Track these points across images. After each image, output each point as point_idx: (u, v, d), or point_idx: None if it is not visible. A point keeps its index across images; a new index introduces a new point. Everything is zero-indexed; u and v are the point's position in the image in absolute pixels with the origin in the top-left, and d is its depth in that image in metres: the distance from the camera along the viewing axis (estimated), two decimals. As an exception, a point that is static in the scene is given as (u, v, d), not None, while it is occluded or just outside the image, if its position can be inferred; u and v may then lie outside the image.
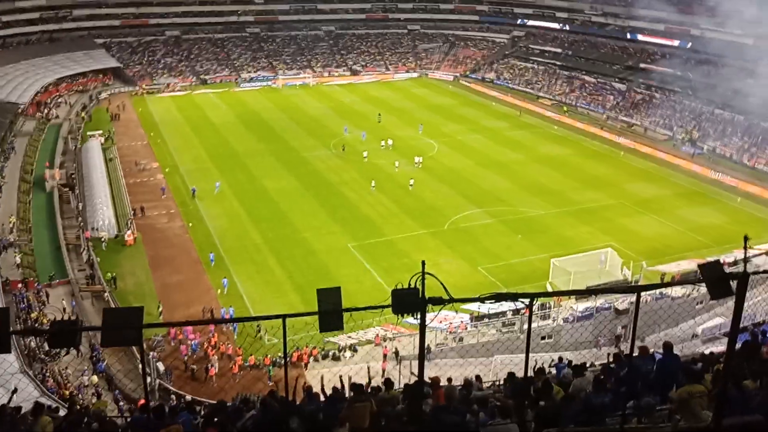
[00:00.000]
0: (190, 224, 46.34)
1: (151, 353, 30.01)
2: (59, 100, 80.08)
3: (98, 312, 33.41)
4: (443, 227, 46.24)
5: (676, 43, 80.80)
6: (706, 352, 18.20)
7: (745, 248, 8.00)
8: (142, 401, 24.85)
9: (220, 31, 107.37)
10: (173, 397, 26.89)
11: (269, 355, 30.71)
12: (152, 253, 42.15)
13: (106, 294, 35.87)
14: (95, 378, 28.59)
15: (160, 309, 34.30)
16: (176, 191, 52.81)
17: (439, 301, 6.07)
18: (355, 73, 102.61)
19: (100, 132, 66.85)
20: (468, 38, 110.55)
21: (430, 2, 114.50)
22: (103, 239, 42.79)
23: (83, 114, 75.54)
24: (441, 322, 32.92)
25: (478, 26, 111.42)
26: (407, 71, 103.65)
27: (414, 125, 72.37)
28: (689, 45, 78.63)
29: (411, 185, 53.35)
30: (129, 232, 44.05)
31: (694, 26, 77.74)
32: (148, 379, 27.38)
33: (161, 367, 29.80)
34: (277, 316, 6.42)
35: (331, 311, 6.16)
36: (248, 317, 29.42)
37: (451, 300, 6.07)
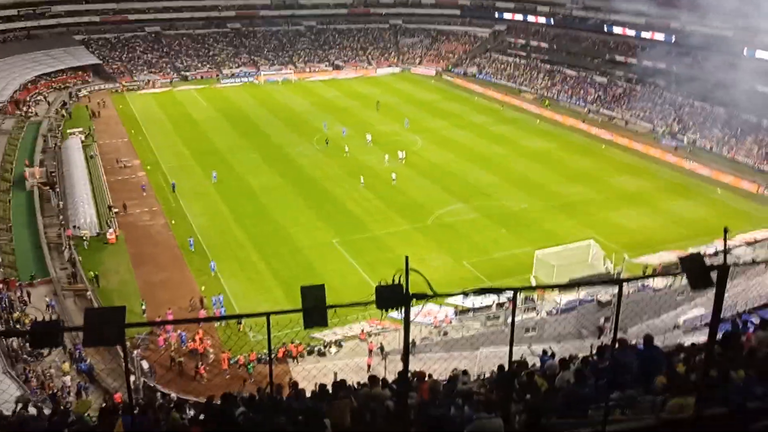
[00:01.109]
0: (173, 221, 46.03)
1: (135, 351, 29.81)
2: (38, 98, 79.06)
3: (81, 311, 33.10)
4: (428, 222, 46.33)
5: (656, 36, 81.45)
6: (687, 342, 18.45)
7: (725, 240, 8.10)
8: (118, 396, 24.70)
9: (201, 27, 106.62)
10: (158, 395, 26.76)
11: (254, 351, 30.62)
12: (135, 251, 41.83)
13: (88, 293, 35.55)
14: (67, 379, 28.26)
15: (144, 307, 34.07)
16: (158, 188, 52.42)
17: (423, 296, 6.09)
18: (337, 68, 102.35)
19: (81, 129, 66.11)
20: (450, 32, 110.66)
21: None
22: (84, 237, 42.39)
23: (63, 111, 74.72)
24: (426, 316, 33.02)
25: (460, 20, 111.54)
26: (389, 66, 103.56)
27: (397, 120, 72.37)
28: (670, 38, 79.32)
29: (394, 180, 53.37)
30: (111, 230, 43.66)
31: (674, 19, 78.39)
32: (132, 378, 27.21)
33: (145, 365, 29.61)
34: (261, 314, 6.40)
35: (315, 308, 6.15)
36: (233, 315, 29.40)
37: (436, 295, 6.09)
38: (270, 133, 68.34)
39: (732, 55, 67.62)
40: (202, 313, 34.06)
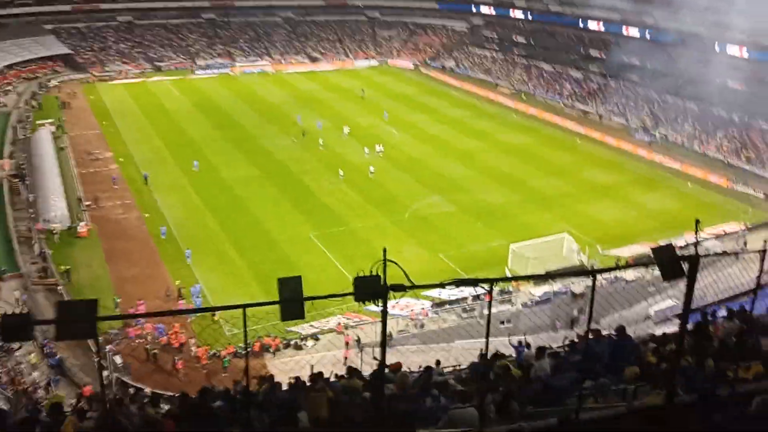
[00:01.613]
0: (147, 215, 45.49)
1: (108, 346, 29.47)
2: (7, 88, 77.37)
3: (52, 306, 32.62)
4: (405, 215, 46.41)
5: (631, 32, 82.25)
6: (659, 332, 18.76)
7: (696, 232, 8.25)
8: (88, 389, 24.40)
9: (175, 17, 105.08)
10: (131, 390, 26.49)
11: (230, 345, 30.47)
12: (108, 245, 41.27)
13: (59, 287, 35.03)
14: (37, 374, 27.89)
15: (117, 301, 33.66)
16: (131, 181, 51.72)
17: (400, 288, 6.11)
18: (314, 60, 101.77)
19: (51, 121, 64.90)
20: (427, 26, 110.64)
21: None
22: (55, 231, 41.69)
23: (33, 102, 73.24)
24: (403, 309, 33.14)
25: (438, 14, 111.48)
26: (367, 59, 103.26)
27: (375, 113, 72.30)
28: (644, 34, 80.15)
29: (371, 173, 53.36)
30: (83, 223, 43.02)
31: (648, 15, 79.19)
32: (105, 373, 26.91)
33: (118, 360, 29.29)
34: (237, 306, 6.36)
35: (291, 300, 6.14)
36: (207, 308, 29.12)
37: (413, 287, 6.11)
38: (246, 125, 67.81)
39: (704, 51, 68.57)
40: (181, 304, 33.83)
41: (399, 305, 32.63)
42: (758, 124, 61.69)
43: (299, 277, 6.13)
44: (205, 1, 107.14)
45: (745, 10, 56.97)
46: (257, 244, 41.91)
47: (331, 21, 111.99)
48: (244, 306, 6.36)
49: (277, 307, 6.29)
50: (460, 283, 6.42)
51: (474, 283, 6.81)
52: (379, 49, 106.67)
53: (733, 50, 68.42)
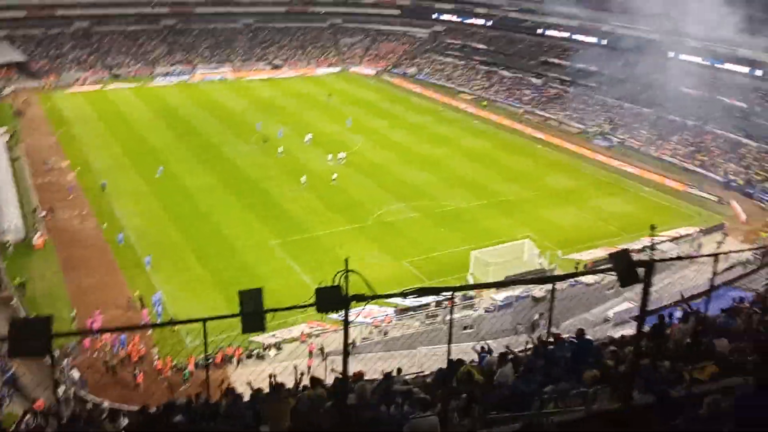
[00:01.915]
0: (105, 225, 44.56)
1: (65, 360, 28.73)
2: (-42, 96, 75.16)
3: (6, 319, 31.68)
4: (368, 222, 46.46)
5: (589, 39, 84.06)
6: (617, 335, 19.14)
7: (652, 236, 8.46)
8: (41, 403, 23.77)
9: (133, 23, 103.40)
10: (89, 405, 25.85)
11: (192, 356, 30.01)
12: (64, 256, 40.28)
13: (14, 301, 34.02)
14: None
15: (74, 314, 32.85)
16: (88, 190, 50.60)
17: (362, 298, 6.13)
18: (276, 67, 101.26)
19: (5, 129, 63.14)
20: (389, 33, 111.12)
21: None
22: (8, 243, 40.53)
23: (-15, 110, 71.23)
24: (366, 316, 33.11)
25: (399, 21, 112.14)
26: (329, 66, 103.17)
27: (338, 120, 72.28)
28: (601, 41, 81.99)
29: (334, 180, 53.29)
30: (38, 234, 41.93)
31: (606, 23, 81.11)
32: (63, 388, 26.21)
33: (76, 374, 28.56)
34: (197, 320, 6.31)
35: (252, 313, 6.10)
36: (168, 322, 28.72)
37: (374, 297, 6.15)
38: (207, 133, 67.07)
39: (659, 58, 70.49)
40: (144, 313, 33.22)
41: (363, 312, 32.54)
42: (711, 129, 63.53)
43: (260, 290, 6.11)
44: (164, 7, 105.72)
45: (698, 19, 58.78)
46: (219, 252, 41.43)
47: (293, 28, 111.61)
48: (204, 320, 6.31)
49: (239, 316, 6.25)
50: (421, 292, 6.47)
51: (436, 292, 6.91)
52: (341, 56, 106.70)
53: (686, 57, 70.49)
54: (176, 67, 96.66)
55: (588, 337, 11.32)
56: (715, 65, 68.77)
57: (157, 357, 30.67)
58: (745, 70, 66.52)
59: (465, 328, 32.34)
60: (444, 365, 11.08)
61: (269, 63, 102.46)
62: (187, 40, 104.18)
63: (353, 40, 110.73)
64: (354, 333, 31.52)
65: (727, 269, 32.82)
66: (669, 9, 61.70)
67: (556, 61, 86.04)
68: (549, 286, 34.81)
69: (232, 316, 6.18)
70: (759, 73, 65.10)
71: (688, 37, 67.64)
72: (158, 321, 32.97)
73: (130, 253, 40.66)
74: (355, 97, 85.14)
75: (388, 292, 6.45)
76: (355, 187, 53.01)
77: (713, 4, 58.13)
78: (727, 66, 68.07)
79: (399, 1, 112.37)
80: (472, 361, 13.63)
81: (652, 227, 38.41)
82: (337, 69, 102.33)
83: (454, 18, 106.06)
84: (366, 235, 44.35)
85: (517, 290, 36.21)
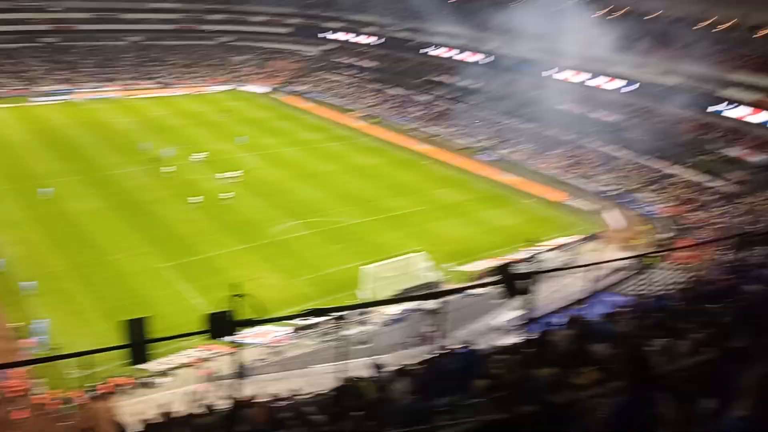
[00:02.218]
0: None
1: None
2: None
3: None
4: (261, 241, 46.16)
5: (473, 57, 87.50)
6: (505, 343, 19.86)
7: (533, 246, 8.93)
8: None
9: (11, 41, 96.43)
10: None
11: (76, 389, 28.24)
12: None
13: None
14: None
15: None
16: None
17: (253, 323, 6.09)
18: (165, 85, 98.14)
19: None
20: (280, 51, 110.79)
21: (241, 14, 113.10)
22: None
23: None
24: (260, 337, 32.54)
25: (290, 39, 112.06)
26: (220, 84, 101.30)
27: (229, 139, 71.31)
28: (485, 60, 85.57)
29: (225, 199, 52.35)
30: None
31: (488, 42, 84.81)
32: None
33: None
34: (81, 354, 6.06)
35: (136, 344, 5.89)
36: (50, 357, 26.84)
37: (265, 321, 6.12)
38: (92, 154, 64.12)
39: (537, 76, 74.55)
40: (27, 343, 31.24)
41: (258, 333, 31.99)
42: (588, 143, 67.75)
43: (143, 319, 5.94)
44: (44, 24, 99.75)
45: (573, 39, 62.83)
46: (106, 278, 39.74)
47: (183, 46, 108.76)
48: (89, 353, 6.06)
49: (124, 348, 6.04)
50: (312, 314, 6.50)
51: (326, 312, 6.94)
52: (232, 74, 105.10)
53: (561, 75, 75.04)
54: (58, 86, 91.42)
55: (478, 346, 11.69)
56: (588, 83, 73.66)
57: (38, 391, 28.59)
58: (619, 85, 71.50)
59: (360, 344, 32.45)
60: (339, 383, 11.11)
61: (158, 81, 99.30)
62: (69, 58, 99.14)
63: (244, 58, 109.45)
64: (248, 355, 30.93)
65: (607, 275, 35.01)
66: (546, 29, 65.50)
67: (442, 79, 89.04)
68: (441, 298, 35.68)
69: (116, 348, 5.96)
70: (631, 88, 70.23)
71: (564, 57, 71.97)
72: (42, 352, 30.78)
73: (11, 282, 37.96)
74: (247, 116, 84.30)
75: (281, 315, 6.42)
76: (247, 206, 52.45)
77: (587, 25, 62.56)
78: (601, 82, 72.95)
79: (289, 20, 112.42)
80: (366, 377, 13.73)
81: (531, 240, 40.69)
82: (228, 87, 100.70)
83: (343, 37, 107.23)
84: (259, 255, 43.96)
85: (410, 304, 36.77)
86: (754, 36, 63.41)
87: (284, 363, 32.26)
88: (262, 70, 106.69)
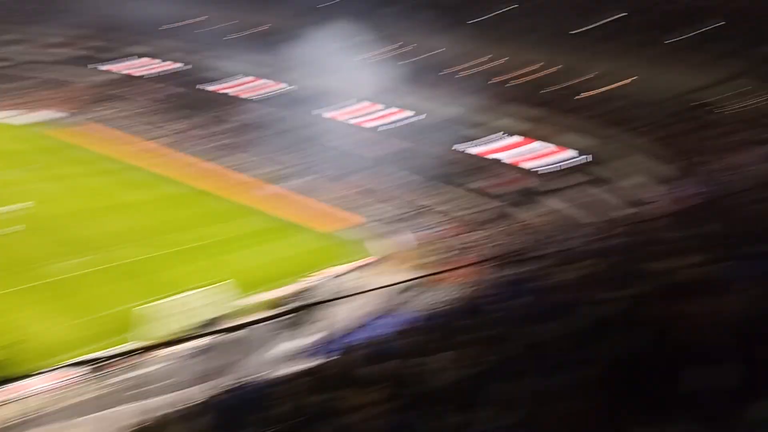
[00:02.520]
0: None
1: None
2: None
3: None
4: (37, 282, 42.19)
5: (255, 94, 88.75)
6: (294, 370, 19.68)
7: (318, 275, 9.02)
8: None
9: None
10: None
11: None
12: None
13: None
14: None
15: None
16: None
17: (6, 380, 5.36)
18: None
19: None
20: (54, 80, 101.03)
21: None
22: None
23: None
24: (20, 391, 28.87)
25: (66, 68, 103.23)
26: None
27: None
28: (272, 92, 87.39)
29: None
30: None
31: (279, 75, 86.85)
32: None
33: None
34: None
35: None
36: None
37: (19, 378, 5.42)
38: None
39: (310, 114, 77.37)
40: None
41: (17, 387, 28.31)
42: (380, 168, 70.79)
43: None
44: None
45: (354, 76, 68.27)
46: None
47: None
48: None
49: None
50: (78, 364, 5.91)
51: (96, 361, 6.33)
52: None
53: (337, 112, 79.36)
54: None
55: (264, 376, 11.45)
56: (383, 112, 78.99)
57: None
58: (410, 113, 78.06)
59: (135, 388, 30.16)
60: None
61: None
62: None
63: (11, 86, 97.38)
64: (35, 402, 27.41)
65: (399, 293, 36.62)
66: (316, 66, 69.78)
67: (226, 113, 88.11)
68: (224, 333, 34.55)
69: None
70: (422, 117, 76.70)
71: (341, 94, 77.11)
72: None
73: None
74: (9, 149, 75.62)
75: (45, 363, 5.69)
76: (22, 243, 47.80)
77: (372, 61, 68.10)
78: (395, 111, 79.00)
79: (63, 49, 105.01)
80: (144, 423, 12.68)
81: (318, 266, 41.24)
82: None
83: (124, 69, 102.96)
84: (34, 296, 40.07)
85: (195, 341, 35.08)
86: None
87: (49, 417, 28.95)
88: (31, 100, 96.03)
